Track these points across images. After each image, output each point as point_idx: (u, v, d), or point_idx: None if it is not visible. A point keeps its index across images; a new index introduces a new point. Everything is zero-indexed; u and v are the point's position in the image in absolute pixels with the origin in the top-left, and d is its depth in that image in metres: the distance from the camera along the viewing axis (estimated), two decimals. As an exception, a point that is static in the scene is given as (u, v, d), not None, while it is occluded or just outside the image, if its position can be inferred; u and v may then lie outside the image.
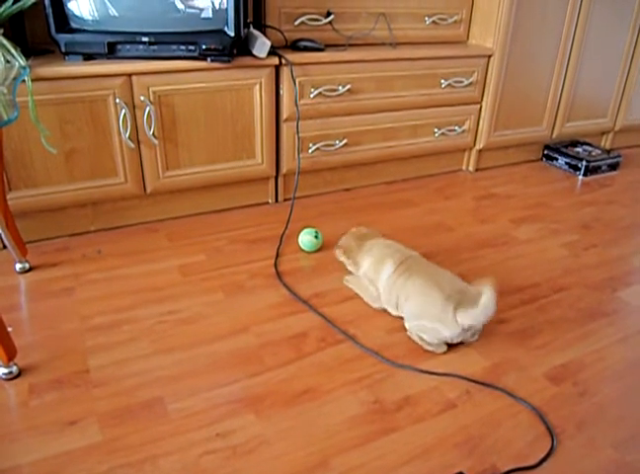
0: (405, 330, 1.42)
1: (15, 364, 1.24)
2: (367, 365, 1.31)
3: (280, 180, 2.11)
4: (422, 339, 1.37)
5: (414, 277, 1.39)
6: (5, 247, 1.65)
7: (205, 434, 1.11)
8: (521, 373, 1.31)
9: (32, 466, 1.03)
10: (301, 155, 2.05)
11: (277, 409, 1.18)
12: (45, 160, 1.66)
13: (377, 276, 1.48)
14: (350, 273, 1.61)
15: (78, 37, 1.64)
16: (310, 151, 2.07)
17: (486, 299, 1.24)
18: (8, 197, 1.61)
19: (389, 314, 1.48)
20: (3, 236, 1.55)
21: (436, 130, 2.32)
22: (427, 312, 1.34)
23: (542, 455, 1.09)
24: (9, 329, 1.24)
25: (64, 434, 1.10)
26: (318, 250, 1.78)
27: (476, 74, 2.30)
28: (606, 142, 2.95)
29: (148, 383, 1.23)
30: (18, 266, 1.62)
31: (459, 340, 1.35)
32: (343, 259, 1.59)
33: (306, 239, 1.75)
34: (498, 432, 1.15)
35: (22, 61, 1.43)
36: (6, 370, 1.23)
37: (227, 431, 1.12)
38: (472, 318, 1.28)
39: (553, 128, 2.64)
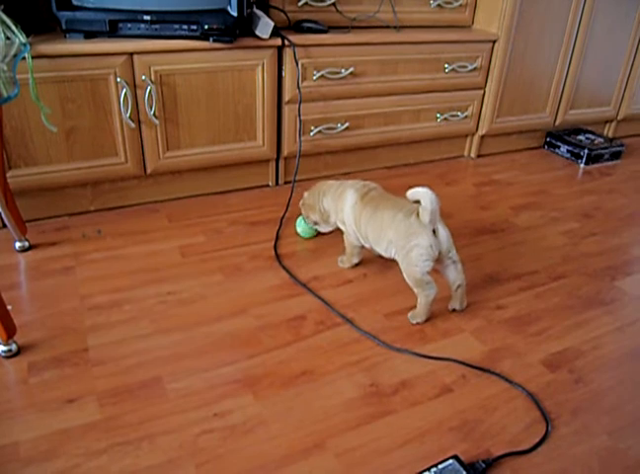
0: (404, 314, 1.43)
1: (14, 342, 1.25)
2: (365, 349, 1.32)
3: (281, 162, 2.11)
4: (416, 280, 1.37)
5: (380, 209, 1.43)
6: (5, 225, 1.65)
7: (203, 413, 1.12)
8: (518, 359, 1.32)
9: (30, 443, 1.04)
10: (302, 138, 2.04)
11: (274, 390, 1.19)
12: (45, 139, 1.65)
13: (341, 205, 1.54)
14: (340, 253, 1.63)
15: (79, 14, 1.62)
16: (312, 134, 2.06)
17: (421, 188, 1.32)
18: (8, 175, 1.61)
19: (387, 298, 1.49)
20: (3, 214, 1.55)
21: (438, 115, 2.31)
22: (400, 233, 1.37)
23: (537, 440, 1.10)
24: (8, 307, 1.24)
25: (63, 412, 1.11)
26: (316, 236, 1.78)
27: (480, 59, 2.29)
28: (609, 131, 2.94)
29: (147, 363, 1.24)
30: (17, 244, 1.62)
31: (437, 251, 1.34)
32: (312, 219, 1.66)
33: (305, 227, 1.75)
34: (493, 416, 1.15)
35: (22, 38, 1.42)
36: (5, 348, 1.23)
37: (225, 411, 1.13)
38: (427, 204, 1.30)
39: (556, 116, 2.63)
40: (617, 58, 2.65)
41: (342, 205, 1.53)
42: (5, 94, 1.33)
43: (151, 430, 1.08)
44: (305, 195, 1.66)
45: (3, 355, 1.23)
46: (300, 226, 1.75)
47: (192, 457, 1.03)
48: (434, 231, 1.33)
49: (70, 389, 1.16)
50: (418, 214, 1.34)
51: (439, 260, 1.37)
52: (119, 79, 1.67)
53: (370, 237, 1.47)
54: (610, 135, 2.94)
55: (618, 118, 2.86)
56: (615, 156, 2.63)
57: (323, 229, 1.69)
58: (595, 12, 2.43)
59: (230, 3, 1.68)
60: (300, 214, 1.74)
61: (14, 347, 1.24)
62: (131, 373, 1.21)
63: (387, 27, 2.17)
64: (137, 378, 1.20)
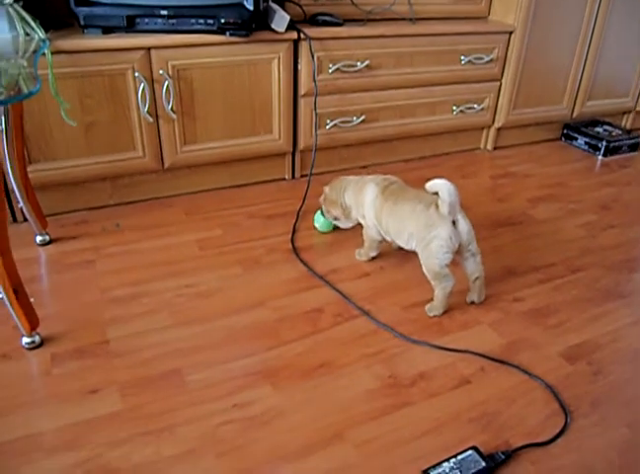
0: (421, 307, 1.43)
1: (37, 334, 1.27)
2: (383, 341, 1.33)
3: (297, 156, 2.11)
4: (435, 272, 1.37)
5: (400, 202, 1.44)
6: (26, 219, 1.67)
7: (223, 404, 1.13)
8: (537, 351, 1.32)
9: (54, 433, 1.06)
10: (318, 131, 2.04)
11: (293, 382, 1.20)
12: (65, 134, 1.67)
13: (361, 200, 1.54)
14: (358, 246, 1.63)
15: (97, 10, 1.64)
16: (327, 127, 2.06)
17: (440, 180, 1.34)
18: (28, 169, 1.63)
19: (405, 290, 1.50)
20: (24, 209, 1.57)
21: (454, 108, 2.30)
22: (419, 224, 1.37)
23: (556, 432, 1.10)
24: (31, 300, 1.26)
25: (86, 403, 1.13)
26: (333, 230, 1.78)
27: (497, 51, 2.27)
28: (627, 122, 2.90)
29: (167, 355, 1.25)
30: (38, 238, 1.64)
31: (457, 243, 1.35)
32: (332, 214, 1.66)
33: (324, 222, 1.74)
34: (512, 408, 1.15)
35: (41, 34, 1.43)
36: (29, 340, 1.26)
37: (244, 402, 1.14)
38: (445, 196, 1.31)
39: (573, 107, 2.61)
40: (635, 49, 2.61)
41: (362, 200, 1.53)
42: (25, 90, 1.34)
43: (172, 420, 1.10)
44: (326, 190, 1.65)
45: (27, 346, 1.26)
46: (319, 222, 1.76)
47: (212, 447, 1.04)
48: (454, 223, 1.33)
49: (92, 380, 1.18)
50: (437, 206, 1.34)
51: (458, 252, 1.37)
52: (136, 74, 1.68)
53: (391, 230, 1.47)
54: (628, 127, 2.90)
55: (636, 109, 2.82)
56: (634, 148, 2.60)
57: (343, 225, 1.68)
58: (612, 1, 2.40)
59: (246, -3, 1.68)
60: (318, 209, 1.74)
61: (37, 338, 1.26)
62: (152, 365, 1.22)
63: (403, 19, 2.16)
64: (158, 370, 1.21)
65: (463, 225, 1.35)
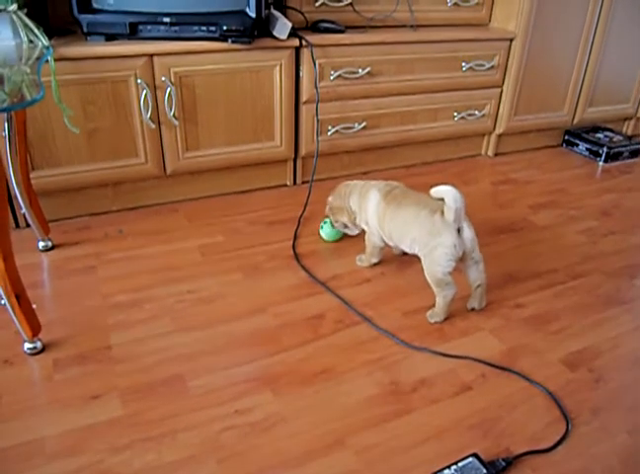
0: (422, 313, 1.43)
1: (39, 340, 1.27)
2: (384, 347, 1.33)
3: (299, 162, 2.12)
4: (437, 279, 1.37)
5: (403, 206, 1.43)
6: (28, 225, 1.68)
7: (224, 410, 1.13)
8: (537, 358, 1.32)
9: (55, 438, 1.06)
10: (320, 138, 2.05)
11: (294, 388, 1.20)
12: (67, 140, 1.68)
13: (365, 206, 1.54)
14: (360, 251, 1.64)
15: (100, 17, 1.65)
16: (329, 134, 2.07)
17: (446, 187, 1.32)
18: (31, 176, 1.63)
19: (406, 296, 1.50)
20: (26, 214, 1.58)
21: (455, 114, 2.31)
22: (423, 230, 1.37)
23: (557, 439, 1.10)
24: (33, 305, 1.26)
25: (87, 408, 1.13)
26: (339, 239, 1.78)
27: (498, 58, 2.28)
28: (628, 128, 2.91)
29: (168, 360, 1.26)
30: (41, 244, 1.65)
31: (461, 251, 1.34)
32: (341, 222, 1.65)
33: (329, 232, 1.74)
34: (513, 415, 1.15)
35: (45, 41, 1.44)
36: (31, 345, 1.26)
37: (245, 408, 1.14)
38: (451, 203, 1.30)
39: (574, 114, 2.61)
40: (636, 55, 2.62)
41: (365, 206, 1.54)
42: (29, 97, 1.35)
43: (173, 426, 1.10)
44: (330, 199, 1.65)
45: (28, 352, 1.26)
46: (324, 231, 1.75)
47: (213, 453, 1.04)
48: (458, 230, 1.33)
49: (94, 386, 1.18)
50: (443, 213, 1.34)
51: (461, 259, 1.37)
52: (139, 81, 1.69)
53: (394, 235, 1.47)
54: (629, 133, 2.91)
55: (638, 115, 2.83)
56: (635, 154, 2.60)
57: (352, 232, 1.68)
58: (613, 8, 2.41)
59: (248, 4, 1.69)
60: (324, 219, 1.74)
61: (39, 344, 1.27)
62: (153, 371, 1.23)
63: (404, 26, 2.17)
64: (159, 376, 1.21)
65: (468, 233, 1.35)
